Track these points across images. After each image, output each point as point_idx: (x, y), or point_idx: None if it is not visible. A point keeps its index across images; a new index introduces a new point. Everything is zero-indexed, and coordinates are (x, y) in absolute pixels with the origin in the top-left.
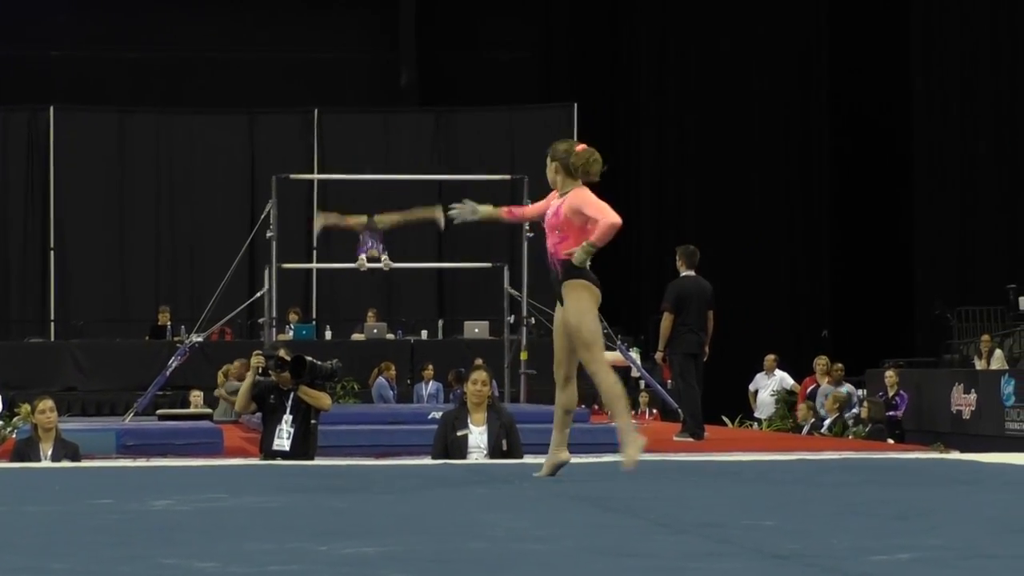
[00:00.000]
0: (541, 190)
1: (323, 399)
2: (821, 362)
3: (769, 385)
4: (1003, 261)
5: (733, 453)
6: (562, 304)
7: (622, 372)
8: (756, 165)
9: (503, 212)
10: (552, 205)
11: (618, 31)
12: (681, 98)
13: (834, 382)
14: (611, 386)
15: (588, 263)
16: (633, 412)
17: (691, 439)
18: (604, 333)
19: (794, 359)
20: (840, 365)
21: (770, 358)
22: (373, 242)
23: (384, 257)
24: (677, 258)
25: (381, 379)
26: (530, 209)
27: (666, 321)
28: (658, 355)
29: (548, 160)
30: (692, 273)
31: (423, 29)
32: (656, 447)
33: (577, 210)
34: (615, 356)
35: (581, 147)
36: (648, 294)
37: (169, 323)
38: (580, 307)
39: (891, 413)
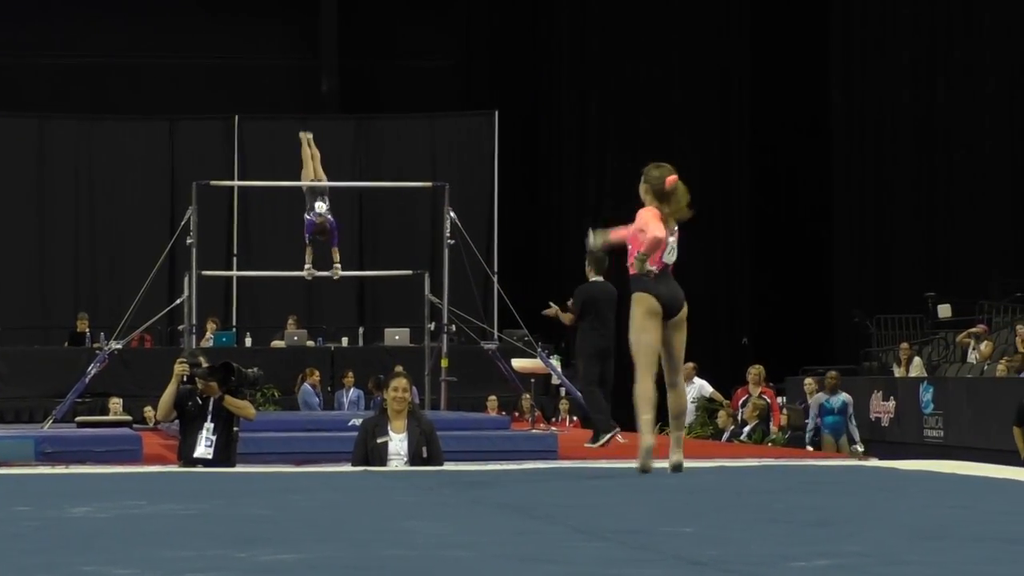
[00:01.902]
0: (462, 197)
1: (248, 408)
2: (754, 371)
3: (688, 393)
4: (921, 269)
5: (653, 460)
6: None
7: (543, 379)
8: (679, 172)
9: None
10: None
11: (539, 39)
12: (602, 107)
13: (829, 391)
14: (636, 392)
15: (645, 269)
16: (553, 419)
17: (606, 436)
18: (525, 340)
19: (713, 367)
20: (834, 373)
21: (689, 366)
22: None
23: (336, 257)
24: (586, 264)
25: (306, 385)
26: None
27: (568, 320)
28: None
29: (641, 181)
30: (600, 279)
31: (344, 36)
32: (575, 454)
33: (639, 228)
34: (535, 363)
35: (673, 178)
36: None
37: (88, 330)
38: (631, 323)
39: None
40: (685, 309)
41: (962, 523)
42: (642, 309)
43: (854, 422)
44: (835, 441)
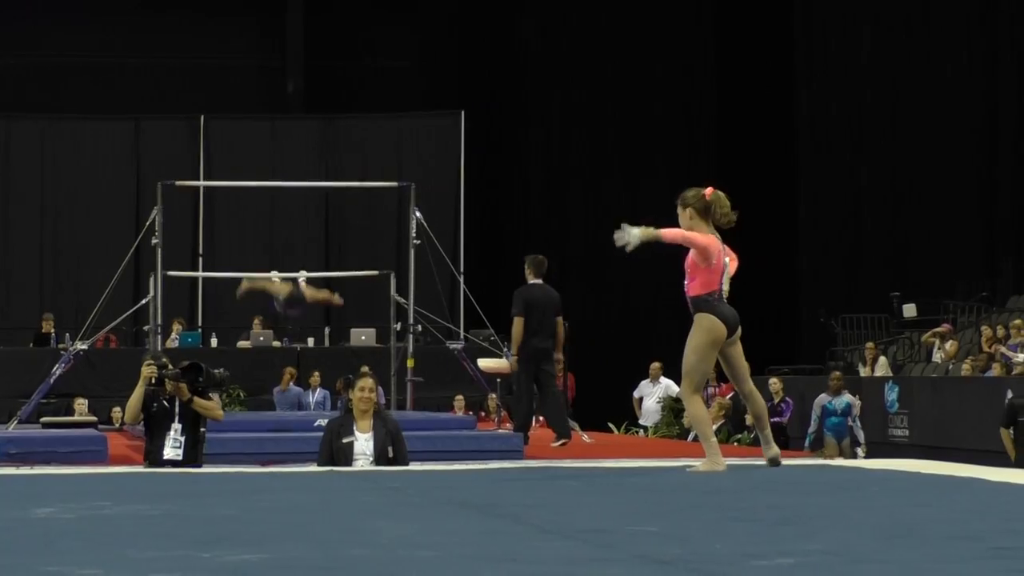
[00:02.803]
0: (427, 197)
1: (216, 410)
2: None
3: (654, 392)
4: (887, 269)
5: (619, 460)
6: None
7: (509, 379)
8: (643, 174)
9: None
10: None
11: (506, 39)
12: (569, 106)
13: (833, 392)
14: (692, 414)
15: (631, 240)
16: None
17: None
18: (491, 340)
19: (679, 366)
20: (839, 374)
21: (655, 366)
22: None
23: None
24: (526, 267)
25: (295, 386)
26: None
27: (517, 326)
28: (512, 359)
29: (680, 209)
30: (540, 281)
31: (310, 36)
32: (541, 454)
33: (696, 251)
34: (502, 364)
35: (710, 190)
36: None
37: (53, 330)
38: (691, 341)
39: (776, 420)
40: (739, 327)
41: (927, 522)
42: (710, 338)
43: (859, 424)
44: (837, 443)
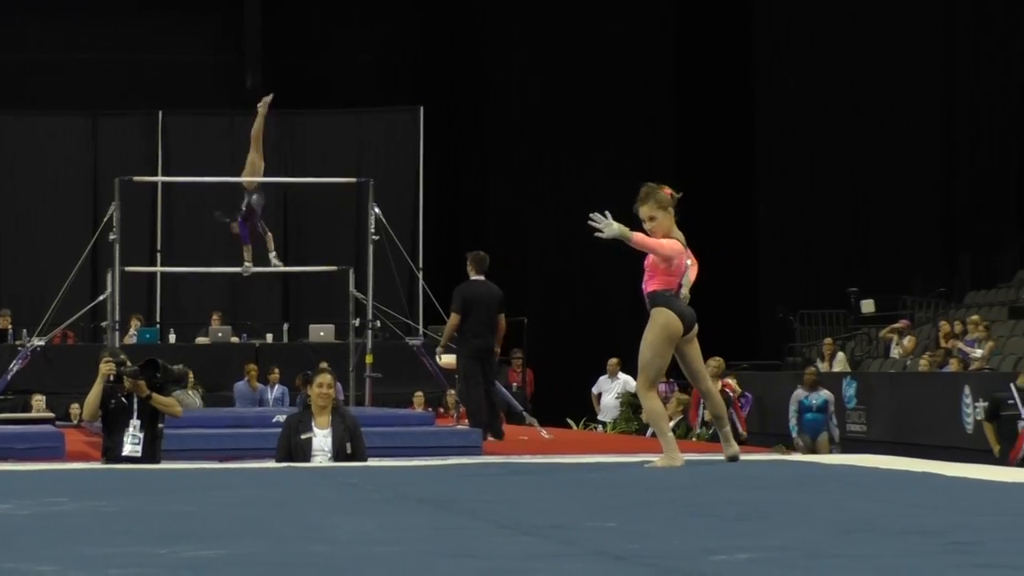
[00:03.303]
0: (387, 193)
1: (175, 406)
2: (714, 364)
3: (613, 388)
4: (845, 265)
5: (577, 455)
6: None
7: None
8: (603, 170)
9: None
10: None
11: (466, 35)
12: (529, 102)
13: (808, 388)
14: (649, 409)
15: (607, 232)
16: None
17: (493, 438)
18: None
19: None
20: (814, 369)
21: (613, 361)
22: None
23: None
24: (468, 263)
25: (279, 386)
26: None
27: (451, 322)
28: (438, 350)
29: (657, 210)
30: (481, 278)
31: (268, 31)
32: (499, 450)
33: (660, 256)
34: (449, 359)
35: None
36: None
37: (10, 327)
38: (646, 336)
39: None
40: (696, 325)
41: (884, 517)
42: (666, 333)
43: (835, 421)
44: (812, 441)
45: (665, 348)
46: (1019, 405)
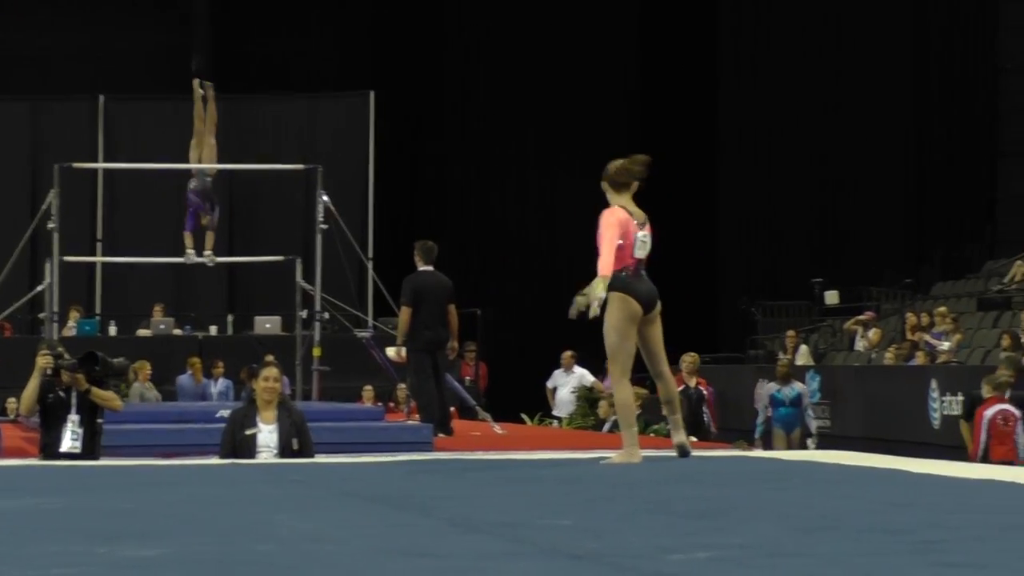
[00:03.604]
0: (337, 179)
1: (114, 400)
2: (688, 360)
3: (568, 382)
4: (809, 255)
5: (532, 451)
6: None
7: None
8: (562, 157)
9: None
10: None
11: (419, 18)
12: (483, 87)
13: (781, 381)
14: (619, 400)
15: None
16: None
17: (443, 435)
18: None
19: (595, 355)
20: (787, 361)
21: (568, 355)
22: (208, 205)
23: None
24: (415, 253)
25: (224, 380)
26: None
27: (404, 315)
28: (391, 350)
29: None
30: (430, 268)
31: (217, 13)
32: (451, 446)
33: (601, 235)
34: (399, 352)
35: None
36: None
37: None
38: (607, 321)
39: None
40: (659, 303)
41: (847, 514)
42: (625, 314)
43: (811, 413)
44: (786, 435)
45: (628, 329)
46: None
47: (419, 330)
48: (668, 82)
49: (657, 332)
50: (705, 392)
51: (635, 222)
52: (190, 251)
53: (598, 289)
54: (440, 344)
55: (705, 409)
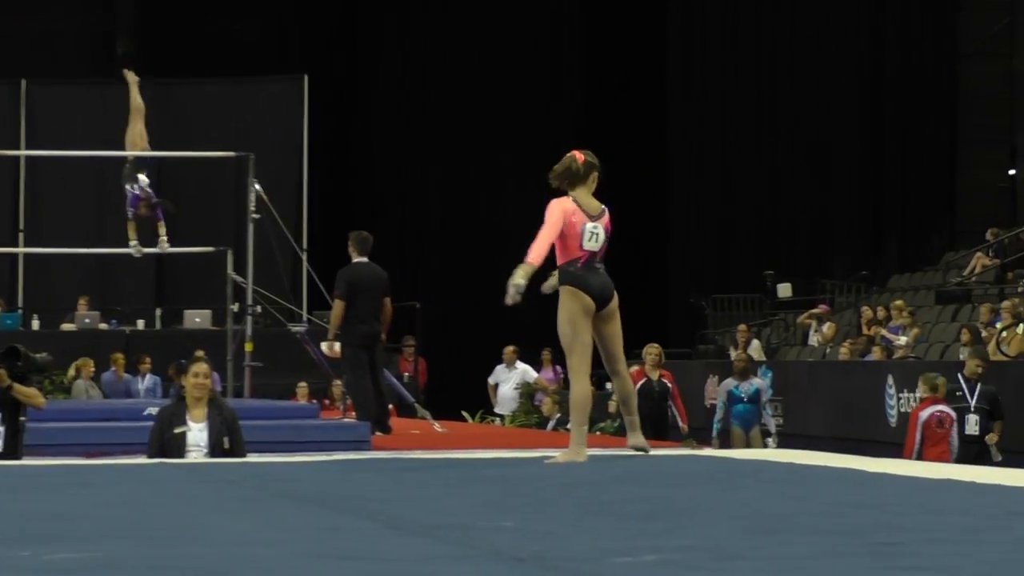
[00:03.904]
0: (269, 168)
1: (37, 397)
2: (652, 352)
3: (511, 378)
4: (760, 246)
5: (473, 450)
6: None
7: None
8: (504, 145)
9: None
10: None
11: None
12: (421, 71)
13: (739, 376)
14: (574, 395)
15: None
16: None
17: (380, 433)
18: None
19: (538, 350)
20: (744, 356)
21: (510, 349)
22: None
23: (162, 232)
24: (349, 244)
25: (151, 376)
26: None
27: (337, 308)
28: (324, 344)
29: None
30: (365, 259)
31: None
32: (389, 444)
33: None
34: (338, 347)
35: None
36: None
37: None
38: (560, 316)
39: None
40: (616, 298)
41: (800, 515)
42: (576, 307)
43: (769, 411)
44: (745, 434)
45: (582, 322)
46: (967, 396)
47: (354, 324)
48: (615, 69)
49: (614, 329)
50: (670, 386)
51: (585, 213)
52: (135, 242)
53: (517, 275)
54: (376, 338)
55: (671, 404)
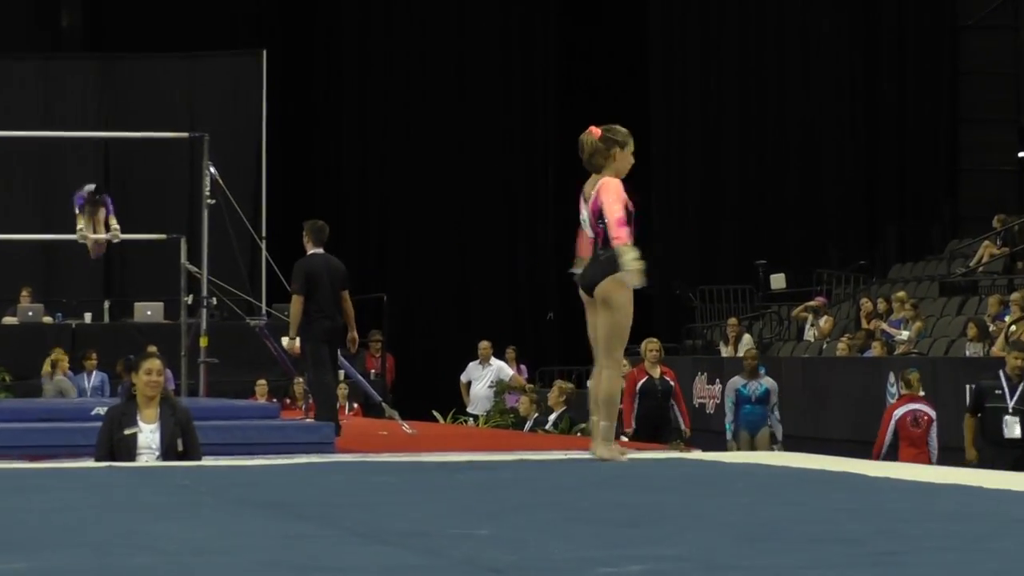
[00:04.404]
0: (225, 150)
1: None
2: (652, 348)
3: (485, 376)
4: (752, 234)
5: (445, 452)
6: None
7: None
8: (476, 127)
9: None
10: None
11: None
12: (388, 46)
13: (748, 374)
14: (615, 389)
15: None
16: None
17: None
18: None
19: (515, 344)
20: (755, 352)
21: (484, 345)
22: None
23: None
24: (304, 234)
25: (98, 373)
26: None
27: (296, 304)
28: (286, 340)
29: (613, 151)
30: (320, 251)
31: None
32: (355, 447)
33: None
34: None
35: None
36: (349, 273)
37: None
38: (620, 298)
39: None
40: (603, 288)
41: (795, 523)
42: (630, 293)
43: (778, 414)
44: (751, 437)
45: (588, 313)
46: (1007, 396)
47: (315, 319)
48: (594, 44)
49: (601, 321)
50: (673, 384)
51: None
52: (81, 227)
53: (632, 266)
54: (338, 333)
55: (674, 404)
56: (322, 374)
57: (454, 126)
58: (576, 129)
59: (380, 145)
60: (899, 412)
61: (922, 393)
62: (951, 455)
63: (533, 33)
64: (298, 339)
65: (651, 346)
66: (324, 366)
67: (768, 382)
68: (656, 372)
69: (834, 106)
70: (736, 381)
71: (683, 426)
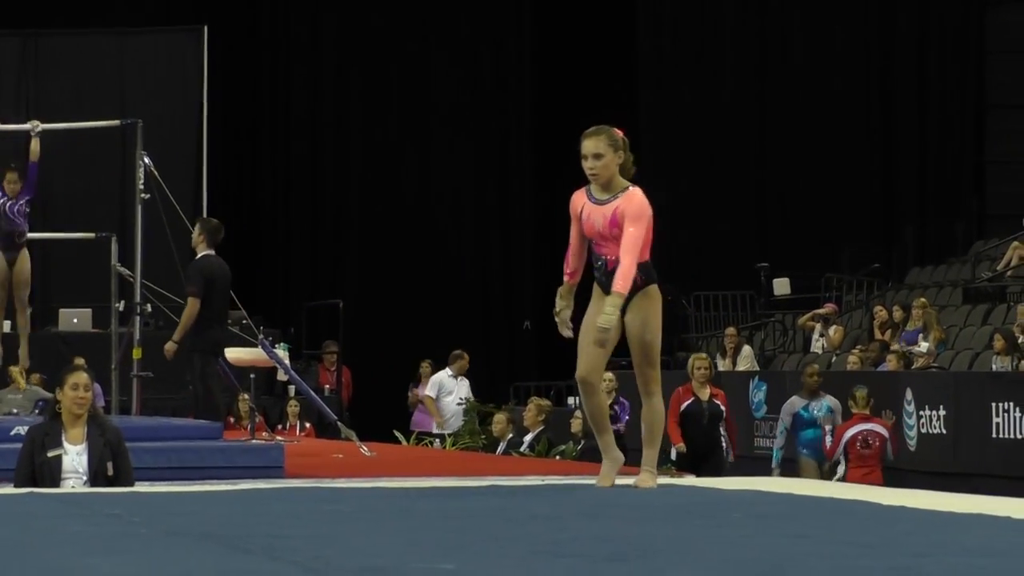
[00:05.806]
0: (156, 136)
1: None
2: (701, 364)
3: (455, 391)
4: (753, 235)
5: (407, 478)
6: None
7: (266, 375)
8: (440, 116)
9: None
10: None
11: None
12: (343, 25)
13: (808, 394)
14: (659, 413)
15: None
16: (279, 427)
17: None
18: (243, 324)
19: (488, 356)
20: (816, 369)
21: (457, 355)
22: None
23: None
24: (196, 233)
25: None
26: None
27: (193, 307)
28: (169, 345)
29: (618, 150)
30: (212, 252)
31: None
32: (307, 471)
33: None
34: (256, 354)
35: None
36: (299, 276)
37: None
38: (653, 320)
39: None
40: (642, 321)
41: (801, 557)
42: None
43: (831, 438)
44: (818, 465)
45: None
46: None
47: (206, 327)
48: (576, 27)
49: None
50: (723, 408)
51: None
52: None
53: (610, 316)
54: (224, 346)
55: (723, 430)
56: (214, 390)
57: (418, 110)
58: (557, 128)
59: (333, 132)
60: (849, 433)
61: (868, 412)
62: (980, 482)
63: (510, 11)
64: (175, 344)
65: (700, 363)
66: (215, 380)
67: (830, 400)
68: (705, 393)
69: (848, 92)
70: (795, 402)
71: (731, 456)
